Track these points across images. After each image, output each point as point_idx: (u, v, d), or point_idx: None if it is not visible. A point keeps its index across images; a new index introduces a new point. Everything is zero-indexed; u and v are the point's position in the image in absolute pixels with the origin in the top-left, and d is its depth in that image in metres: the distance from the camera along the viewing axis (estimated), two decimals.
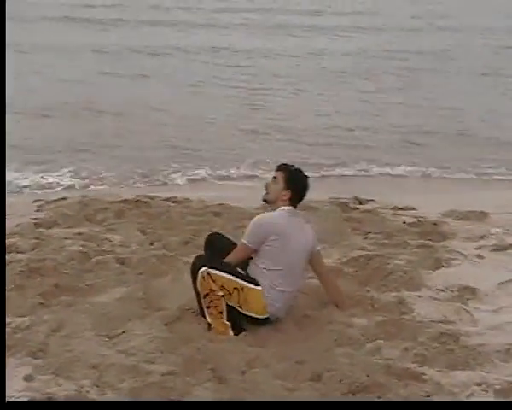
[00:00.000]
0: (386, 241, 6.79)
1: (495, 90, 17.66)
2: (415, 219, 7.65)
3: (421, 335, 4.74)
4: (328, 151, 11.78)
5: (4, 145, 8.09)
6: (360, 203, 8.44)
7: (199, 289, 4.78)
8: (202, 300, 4.79)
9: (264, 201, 5.13)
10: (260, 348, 4.54)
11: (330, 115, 14.33)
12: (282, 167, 5.07)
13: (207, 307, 4.77)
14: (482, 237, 7.07)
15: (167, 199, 8.25)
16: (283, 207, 4.98)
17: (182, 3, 32.51)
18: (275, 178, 5.04)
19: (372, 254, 6.17)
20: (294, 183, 5.02)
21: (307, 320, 4.96)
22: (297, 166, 5.16)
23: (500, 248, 6.68)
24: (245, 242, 4.89)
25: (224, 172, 10.50)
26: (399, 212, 8.08)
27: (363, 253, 6.25)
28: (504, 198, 8.80)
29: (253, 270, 4.89)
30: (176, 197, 8.35)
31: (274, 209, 5.03)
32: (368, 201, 8.56)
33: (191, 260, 5.88)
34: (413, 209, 8.18)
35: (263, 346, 4.59)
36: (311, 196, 8.52)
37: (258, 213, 7.52)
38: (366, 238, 6.91)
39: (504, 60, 21.97)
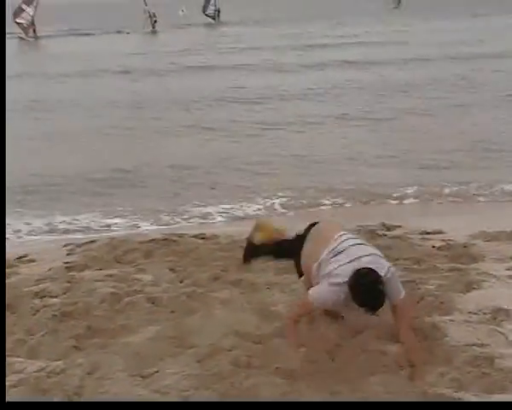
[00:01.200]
0: (416, 266, 6.75)
1: None
2: (443, 243, 7.60)
3: (455, 359, 4.71)
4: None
5: (4, 145, 8.05)
6: (388, 230, 8.41)
7: None
8: None
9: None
10: (294, 381, 4.52)
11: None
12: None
13: None
14: None
15: (195, 236, 8.29)
16: None
17: None
18: None
19: (402, 281, 6.11)
20: None
21: (339, 350, 4.93)
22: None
23: None
24: None
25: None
26: (427, 236, 8.04)
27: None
28: None
29: None
30: (204, 234, 8.39)
31: None
32: (395, 227, 8.53)
33: (221, 295, 5.97)
34: (441, 233, 8.13)
35: (297, 378, 4.57)
36: None
37: None
38: (396, 265, 6.87)
39: None
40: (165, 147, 14.51)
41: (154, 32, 51.54)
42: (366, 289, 4.49)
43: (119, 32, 51.69)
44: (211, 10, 60.58)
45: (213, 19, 60.21)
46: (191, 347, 5.09)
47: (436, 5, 62.16)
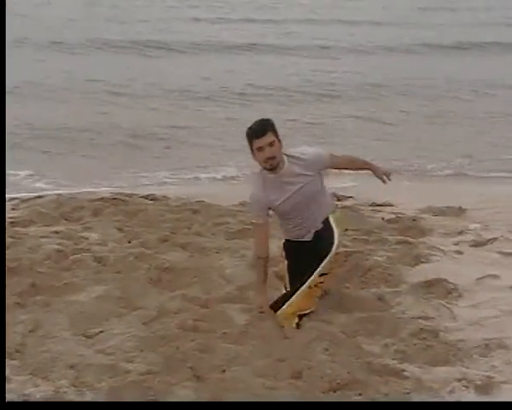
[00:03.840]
0: (365, 237, 6.78)
1: None
2: (393, 216, 7.65)
3: (400, 331, 4.74)
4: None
5: (4, 145, 7.96)
6: (338, 200, 8.42)
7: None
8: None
9: (273, 169, 4.80)
10: (240, 346, 4.50)
11: None
12: (269, 128, 4.76)
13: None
14: (460, 233, 7.09)
15: (145, 196, 8.19)
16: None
17: None
18: (271, 143, 4.72)
19: (351, 251, 6.15)
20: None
21: None
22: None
23: (478, 244, 6.70)
24: None
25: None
26: (378, 208, 8.08)
27: (342, 250, 6.22)
28: (482, 194, 8.82)
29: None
30: (154, 195, 8.29)
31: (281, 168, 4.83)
32: (346, 197, 8.55)
33: (169, 258, 5.91)
34: (391, 205, 8.19)
35: (242, 344, 4.55)
36: None
37: (237, 211, 7.58)
38: (345, 235, 6.89)
39: None
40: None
41: None
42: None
43: None
44: None
45: None
46: (137, 308, 5.04)
47: None
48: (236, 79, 16.93)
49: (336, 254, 4.97)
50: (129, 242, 6.48)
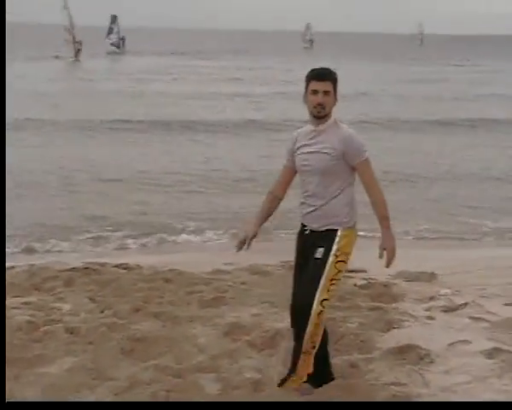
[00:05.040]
0: (338, 304, 6.79)
1: None
2: (365, 281, 7.69)
3: (374, 398, 4.73)
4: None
5: (4, 145, 7.87)
6: None
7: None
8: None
9: (318, 117, 4.64)
10: None
11: None
12: (331, 78, 4.62)
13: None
14: (432, 298, 7.14)
15: (118, 266, 8.16)
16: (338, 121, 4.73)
17: None
18: (326, 92, 4.59)
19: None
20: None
21: (259, 386, 4.91)
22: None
23: (449, 309, 6.76)
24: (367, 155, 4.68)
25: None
26: (350, 274, 8.11)
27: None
28: (453, 258, 8.92)
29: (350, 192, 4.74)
30: (127, 264, 8.27)
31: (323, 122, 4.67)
32: None
33: (142, 328, 5.88)
34: (363, 271, 8.22)
35: None
36: (262, 259, 8.59)
37: (210, 278, 7.58)
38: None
39: None
40: None
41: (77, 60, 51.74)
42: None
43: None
44: (114, 39, 61.83)
45: (117, 47, 61.52)
46: (109, 379, 4.99)
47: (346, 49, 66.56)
48: None
49: (336, 264, 4.67)
50: (101, 312, 6.43)
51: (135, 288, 7.15)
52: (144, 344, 5.55)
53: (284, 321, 6.17)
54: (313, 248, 4.72)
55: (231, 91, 33.32)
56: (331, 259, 4.65)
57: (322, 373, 4.86)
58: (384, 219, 4.69)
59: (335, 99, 4.67)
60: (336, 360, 5.38)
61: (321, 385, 4.83)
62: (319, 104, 4.60)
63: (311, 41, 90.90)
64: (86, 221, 11.02)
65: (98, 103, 27.22)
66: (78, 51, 53.61)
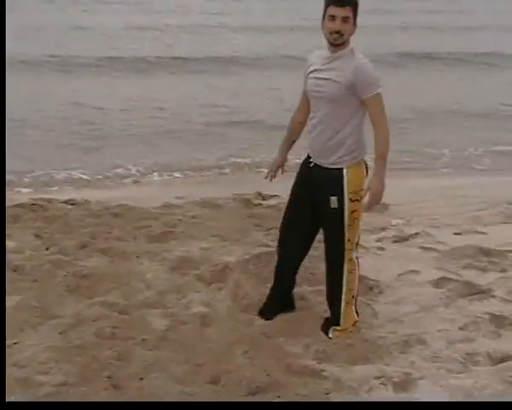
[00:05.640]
0: None
1: None
2: None
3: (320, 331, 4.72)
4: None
5: (4, 145, 7.63)
6: (264, 199, 8.40)
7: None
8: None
9: (334, 44, 4.44)
10: (159, 352, 4.41)
11: None
12: (351, 4, 4.39)
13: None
14: (383, 229, 7.15)
15: (65, 201, 7.98)
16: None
17: None
18: (345, 19, 4.37)
19: (274, 251, 6.09)
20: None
21: (206, 320, 4.87)
22: None
23: (400, 239, 6.78)
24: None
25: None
26: None
27: (265, 249, 6.18)
28: (404, 188, 8.92)
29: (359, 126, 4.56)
30: (74, 199, 8.09)
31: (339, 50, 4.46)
32: (272, 196, 8.52)
33: (88, 264, 5.76)
34: None
35: (161, 349, 4.46)
36: (214, 193, 8.50)
37: (160, 213, 7.47)
38: (268, 234, 6.86)
39: None
40: None
41: None
42: None
43: None
44: None
45: None
46: (54, 317, 4.89)
47: None
48: None
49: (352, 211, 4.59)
50: (47, 249, 6.29)
51: (82, 224, 7.00)
52: (90, 281, 5.44)
53: (233, 254, 6.14)
54: (319, 186, 4.64)
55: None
56: (347, 207, 4.58)
57: (284, 301, 4.98)
58: (380, 158, 4.53)
59: (355, 26, 4.45)
60: None
61: (278, 313, 4.90)
62: (336, 32, 4.39)
63: None
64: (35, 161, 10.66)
65: None
66: None
